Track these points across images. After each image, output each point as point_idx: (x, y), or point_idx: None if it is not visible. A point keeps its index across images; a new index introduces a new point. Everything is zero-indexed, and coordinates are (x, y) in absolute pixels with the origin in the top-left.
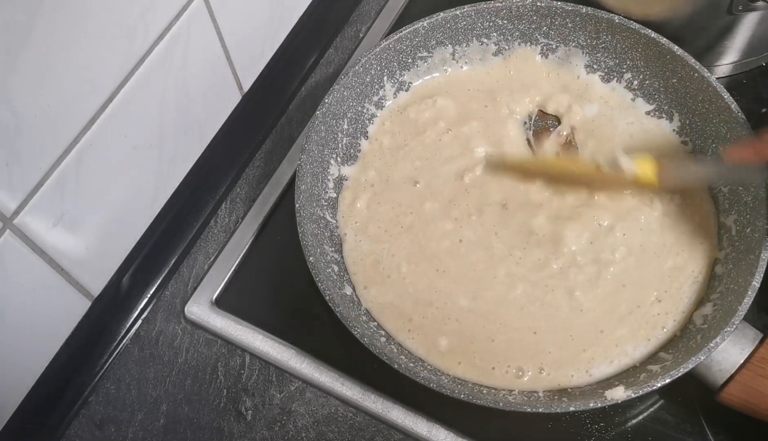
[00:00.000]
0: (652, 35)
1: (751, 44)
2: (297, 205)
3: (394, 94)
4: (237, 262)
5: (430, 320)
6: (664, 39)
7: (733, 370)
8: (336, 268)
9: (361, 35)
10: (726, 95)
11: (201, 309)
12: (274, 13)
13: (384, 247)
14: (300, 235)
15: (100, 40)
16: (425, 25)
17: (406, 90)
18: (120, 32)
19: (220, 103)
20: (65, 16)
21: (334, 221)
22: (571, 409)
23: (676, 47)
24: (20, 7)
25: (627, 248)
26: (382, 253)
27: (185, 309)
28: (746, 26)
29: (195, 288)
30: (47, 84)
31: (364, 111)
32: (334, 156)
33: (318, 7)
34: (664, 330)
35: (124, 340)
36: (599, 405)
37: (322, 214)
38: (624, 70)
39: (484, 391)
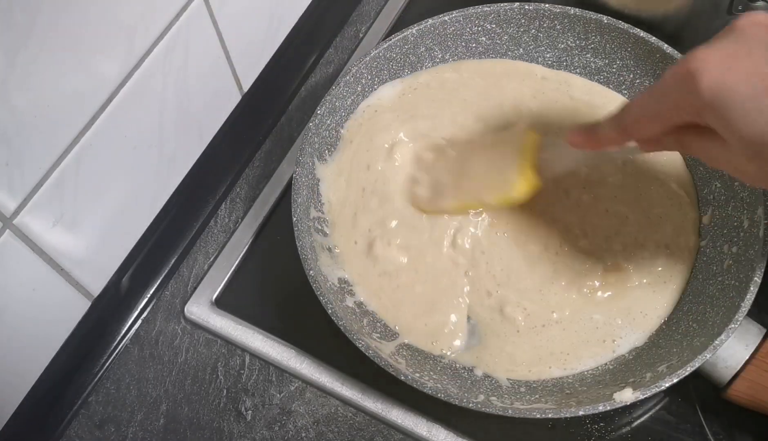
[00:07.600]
0: (641, 34)
1: None
2: (294, 219)
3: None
4: (237, 262)
5: (431, 327)
6: (653, 38)
7: (739, 367)
8: (337, 281)
9: (361, 35)
10: None
11: (201, 309)
12: (273, 13)
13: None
14: (299, 248)
15: (100, 40)
16: (414, 32)
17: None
18: (120, 32)
19: (220, 103)
20: (65, 16)
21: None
22: (581, 413)
23: (666, 45)
24: (20, 6)
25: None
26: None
27: (185, 309)
28: None
29: (195, 288)
30: (47, 84)
31: None
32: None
33: (318, 7)
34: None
35: (124, 340)
36: (608, 408)
37: (320, 227)
38: (614, 70)
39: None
